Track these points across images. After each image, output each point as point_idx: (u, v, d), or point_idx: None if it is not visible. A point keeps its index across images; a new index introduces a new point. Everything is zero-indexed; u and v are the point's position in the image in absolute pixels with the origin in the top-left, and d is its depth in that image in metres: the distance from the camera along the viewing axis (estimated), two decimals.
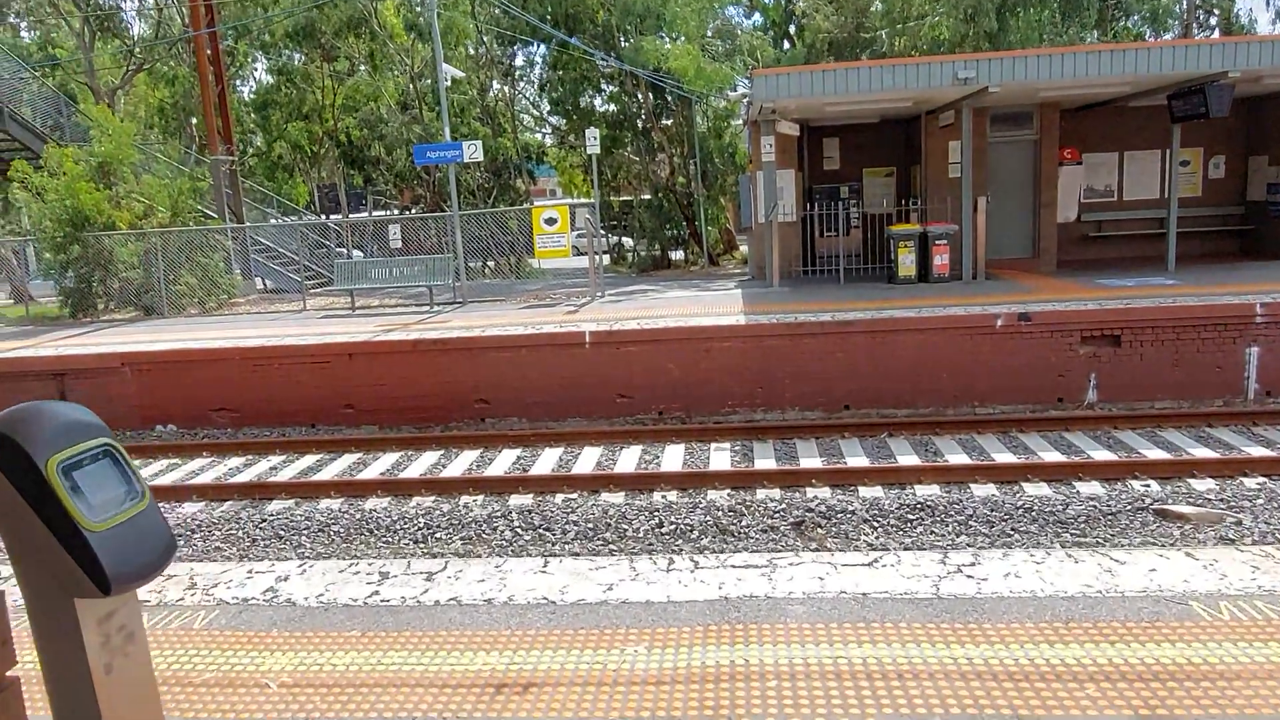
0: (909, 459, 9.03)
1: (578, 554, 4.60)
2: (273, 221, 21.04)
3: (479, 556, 5.06)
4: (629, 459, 9.65)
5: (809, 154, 17.46)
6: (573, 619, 3.46)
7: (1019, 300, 11.74)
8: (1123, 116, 16.36)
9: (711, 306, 13.10)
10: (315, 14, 25.33)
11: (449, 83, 15.62)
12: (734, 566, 3.83)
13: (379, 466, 9.99)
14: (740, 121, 24.42)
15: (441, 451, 10.38)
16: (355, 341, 11.89)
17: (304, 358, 11.93)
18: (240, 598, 3.89)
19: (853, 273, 15.47)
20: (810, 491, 8.20)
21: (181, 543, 8.09)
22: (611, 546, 7.30)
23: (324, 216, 31.19)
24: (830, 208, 15.74)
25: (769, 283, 14.80)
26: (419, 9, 23.32)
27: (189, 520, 8.59)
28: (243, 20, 25.34)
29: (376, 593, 3.86)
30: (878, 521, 7.41)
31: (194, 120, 24.48)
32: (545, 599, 3.66)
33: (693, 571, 3.82)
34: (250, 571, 4.17)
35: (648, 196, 26.19)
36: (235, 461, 10.57)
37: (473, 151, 14.66)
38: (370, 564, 4.12)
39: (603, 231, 30.15)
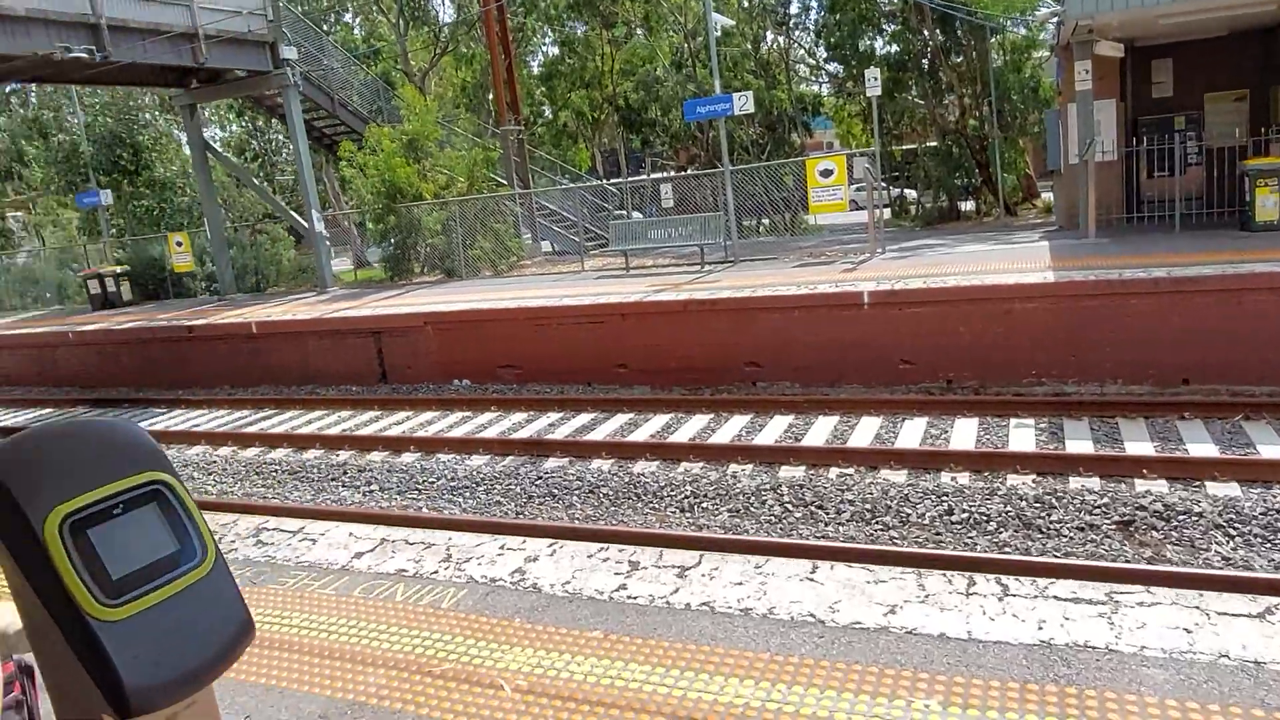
0: (1275, 450, 7.22)
1: (852, 561, 3.94)
2: (556, 186, 21.99)
3: (738, 552, 4.58)
4: (912, 432, 8.70)
5: (1133, 80, 14.74)
6: (845, 649, 2.86)
7: None
8: None
9: (1010, 262, 11.52)
10: None
11: (719, 34, 15.11)
12: (1058, 598, 3.00)
13: (649, 429, 9.91)
14: (1046, 52, 21.44)
15: (711, 416, 10.08)
16: (628, 301, 11.90)
17: (580, 317, 12.18)
18: (489, 578, 3.74)
19: (1191, 219, 12.90)
20: (1140, 485, 6.79)
21: (466, 495, 8.52)
22: (892, 533, 6.53)
23: (603, 180, 32.36)
24: (1161, 142, 13.17)
25: (1082, 233, 12.76)
26: None
27: (474, 473, 9.02)
28: None
29: (624, 586, 3.53)
30: (1235, 529, 5.93)
31: (490, 95, 26.23)
32: (812, 616, 3.10)
33: (1001, 599, 3.04)
34: (502, 548, 4.04)
35: (934, 143, 23.98)
36: (518, 417, 11.03)
37: (743, 103, 14.07)
38: (621, 550, 3.79)
39: (883, 183, 28.31)
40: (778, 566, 3.49)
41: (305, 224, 17.59)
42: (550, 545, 4.01)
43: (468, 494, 8.62)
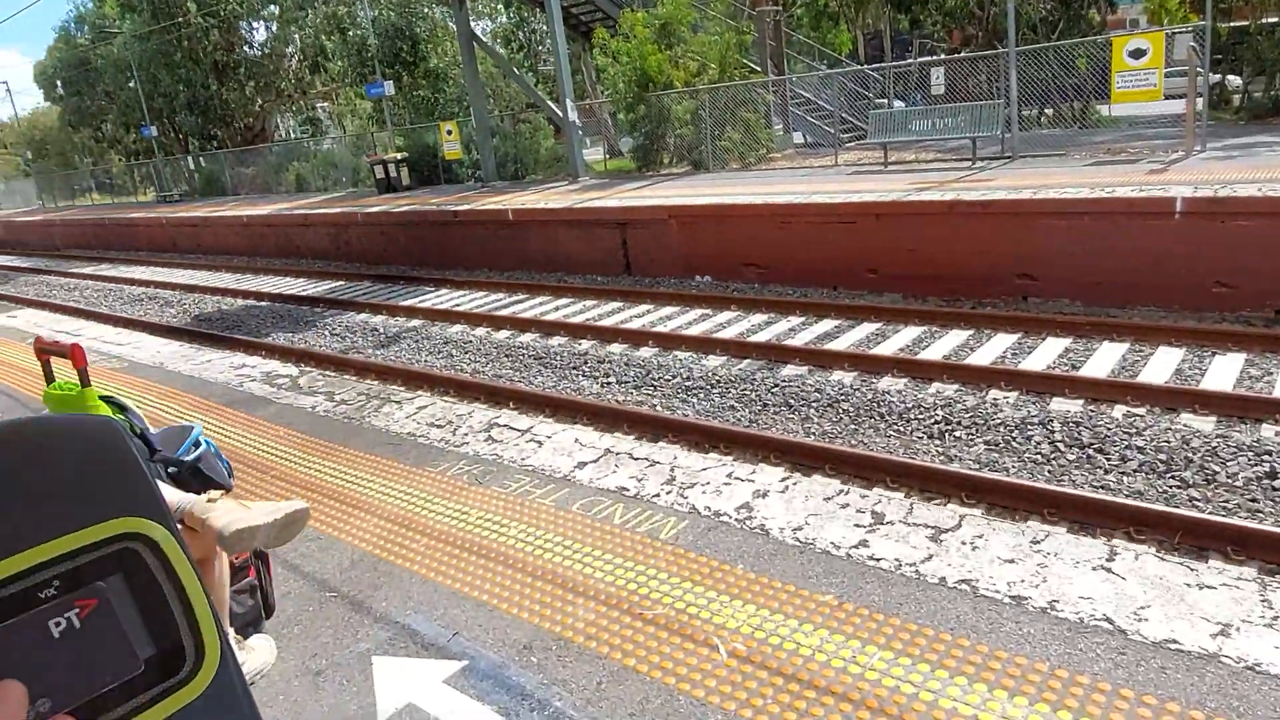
0: None
1: (1165, 549, 3.15)
2: (812, 73, 20.55)
3: (1005, 516, 3.91)
4: (1224, 371, 7.24)
5: None
6: (1156, 676, 2.20)
7: None
8: None
9: None
10: None
11: None
12: None
13: (897, 341, 9.10)
14: None
15: (970, 332, 9.06)
16: (883, 201, 10.87)
17: (829, 216, 11.34)
18: (713, 510, 3.41)
19: None
20: None
21: (700, 396, 8.29)
22: (1192, 492, 5.45)
23: (864, 65, 29.91)
24: None
25: None
26: None
27: (710, 374, 8.77)
28: None
29: (865, 542, 3.05)
30: None
31: None
32: (1110, 622, 2.45)
33: None
34: (730, 476, 3.68)
35: (1274, 19, 19.49)
36: (758, 318, 10.61)
37: None
38: (863, 496, 3.30)
39: (1200, 69, 23.63)
40: (1062, 545, 2.84)
41: (560, 114, 17.79)
42: (783, 480, 3.60)
43: (701, 395, 8.40)
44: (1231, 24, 22.03)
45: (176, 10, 30.23)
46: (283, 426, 5.22)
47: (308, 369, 10.16)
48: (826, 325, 9.95)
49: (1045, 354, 8.15)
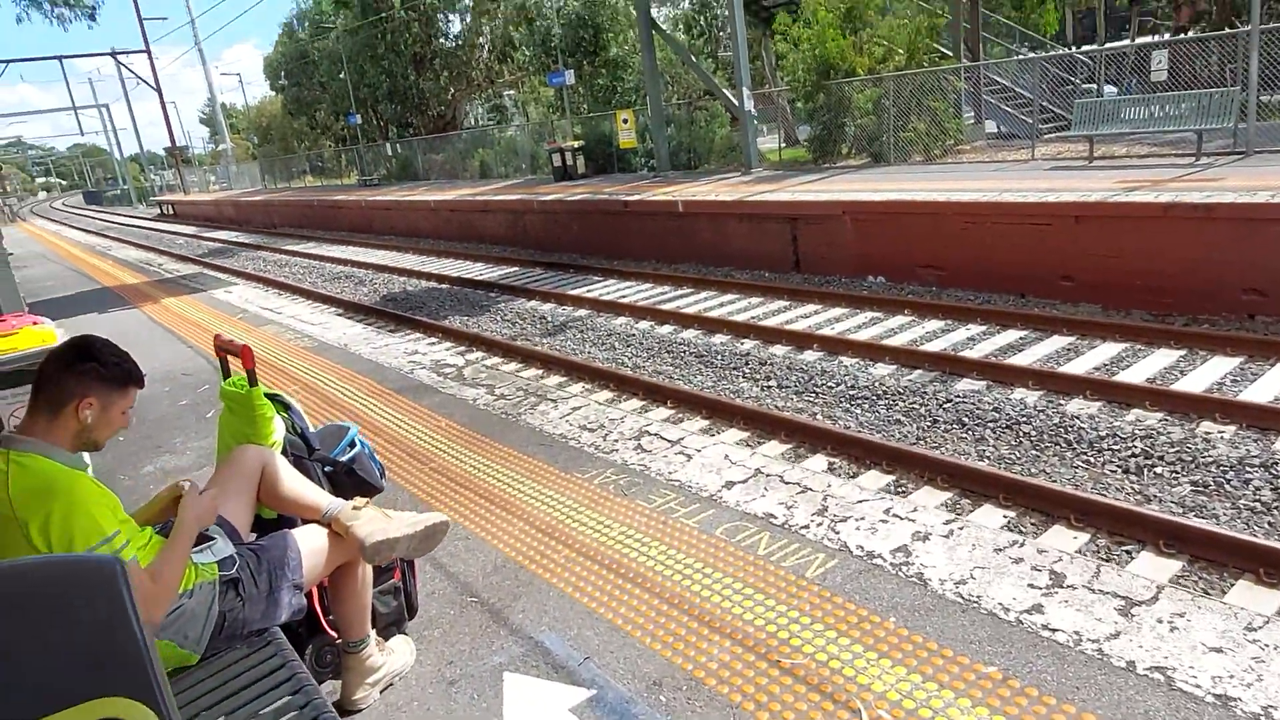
0: None
1: None
2: (1010, 59, 19.09)
3: (1212, 583, 3.38)
4: None
5: None
6: None
7: None
8: None
9: None
10: None
11: None
12: None
13: (1092, 359, 8.28)
14: None
15: (1181, 353, 8.10)
16: (1085, 201, 9.90)
17: (1020, 217, 10.48)
18: (866, 550, 3.15)
19: None
20: None
21: (864, 407, 7.88)
22: None
23: (1072, 48, 27.49)
24: None
25: None
26: None
27: (877, 383, 8.33)
28: None
29: (1040, 607, 2.69)
30: None
31: None
32: None
33: None
34: (888, 513, 3.39)
35: None
36: (933, 325, 9.99)
37: None
38: (1040, 552, 2.93)
39: None
40: None
41: (735, 102, 17.51)
42: (947, 524, 3.27)
43: (866, 405, 7.99)
44: None
45: (382, 5, 32.33)
46: (444, 417, 5.39)
47: (474, 357, 10.58)
48: (1010, 336, 9.21)
49: (1273, 383, 7.14)
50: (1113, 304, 9.74)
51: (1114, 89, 16.98)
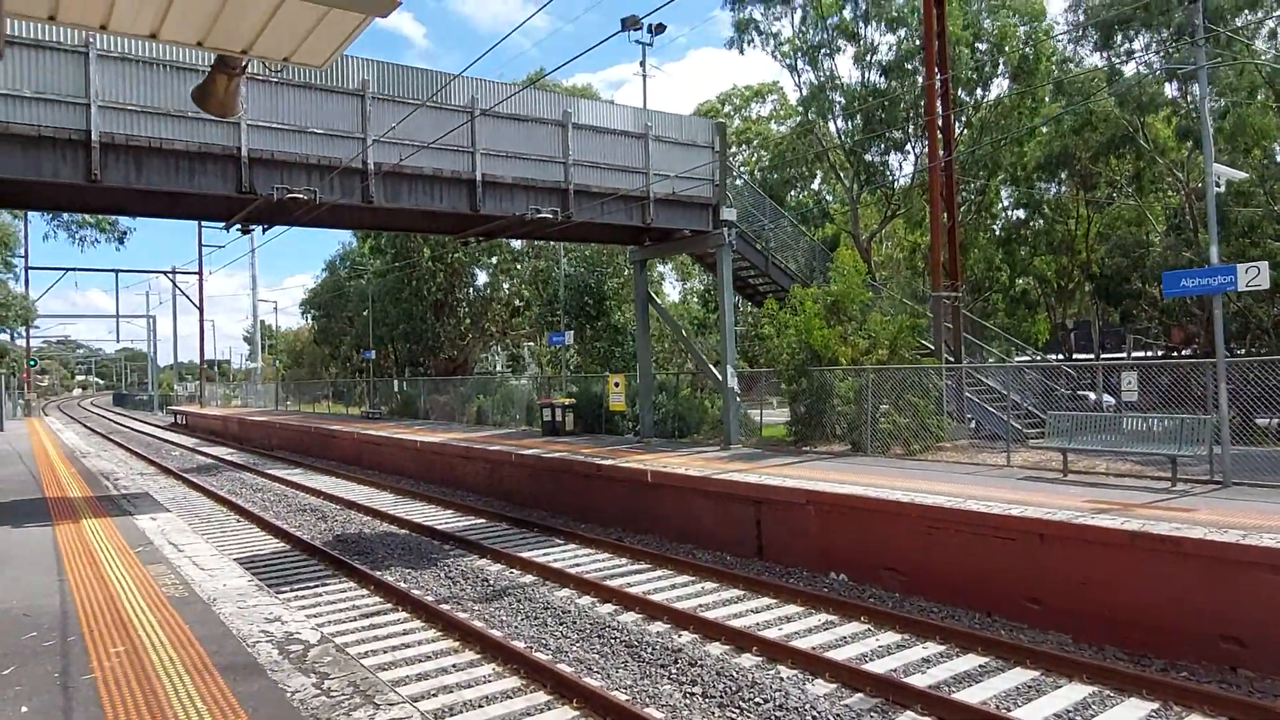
0: None
1: None
2: (988, 363, 19.37)
3: None
4: None
5: None
6: None
7: None
8: None
9: None
10: (1071, 140, 23.33)
11: (1221, 188, 11.85)
12: None
13: (1054, 702, 7.31)
14: None
15: (1154, 705, 7.11)
16: (1049, 519, 9.28)
17: (985, 528, 9.84)
18: None
19: None
20: None
21: None
22: None
23: (1058, 357, 28.20)
24: None
25: None
26: (1196, 112, 19.33)
27: (810, 705, 7.29)
28: (974, 149, 24.84)
29: None
30: None
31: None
32: None
33: None
34: None
35: None
36: (887, 639, 9.04)
37: (1252, 277, 10.60)
38: None
39: None
40: None
41: (720, 378, 17.66)
42: None
43: None
44: None
45: (413, 254, 34.51)
46: (244, 711, 4.57)
47: (350, 628, 9.70)
48: (968, 663, 8.23)
49: None
50: (1084, 636, 8.80)
51: (1110, 398, 16.91)
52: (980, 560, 9.79)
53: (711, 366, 18.75)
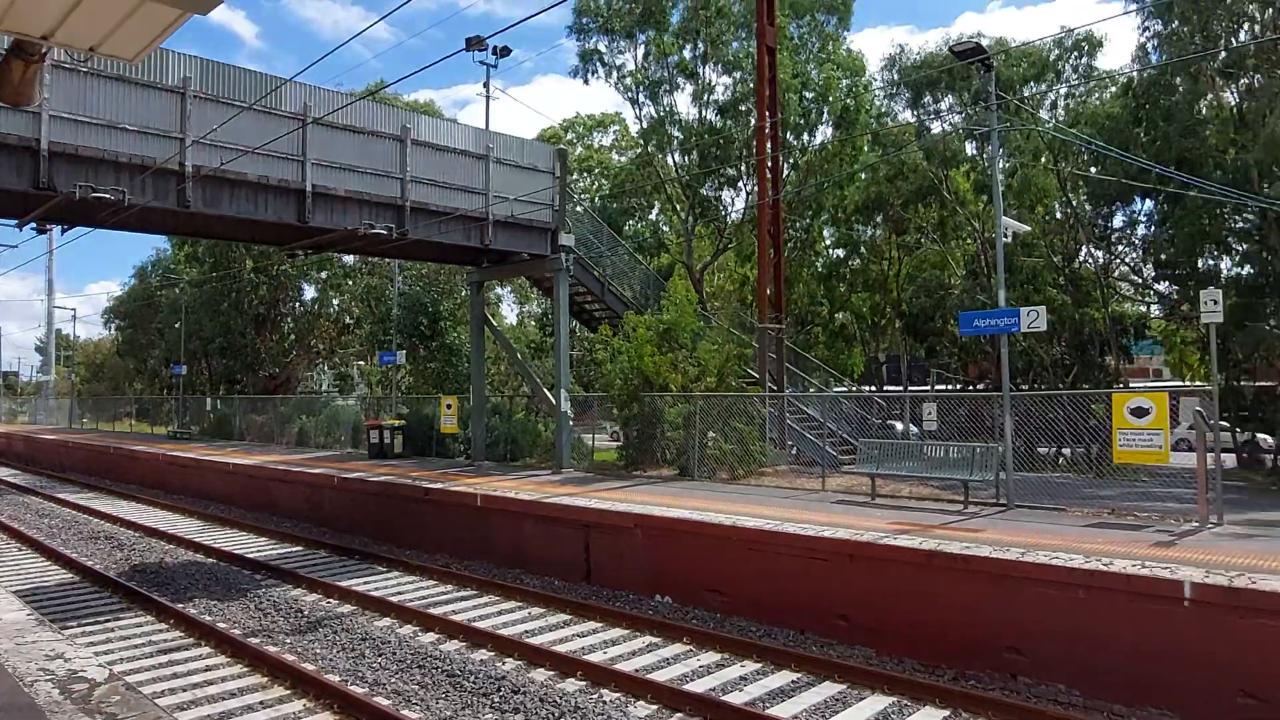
0: None
1: None
2: (808, 393, 20.51)
3: None
4: None
5: None
6: None
7: None
8: None
9: None
10: (886, 187, 25.26)
11: (1009, 239, 13.22)
12: None
13: (857, 715, 7.68)
14: None
15: (945, 713, 7.64)
16: (858, 540, 9.88)
17: (800, 550, 10.33)
18: None
19: None
20: None
21: None
22: None
23: (869, 388, 30.33)
24: None
25: None
26: (990, 169, 21.49)
27: None
28: (800, 190, 26.45)
29: None
30: None
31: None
32: None
33: None
34: None
35: None
36: (707, 659, 9.26)
37: (1033, 320, 11.89)
38: None
39: (1226, 424, 23.36)
40: None
41: (553, 401, 17.67)
42: None
43: None
44: (1259, 384, 21.96)
45: (234, 264, 32.39)
46: None
47: (145, 664, 8.95)
48: (782, 680, 8.58)
49: None
50: (886, 649, 9.38)
51: (916, 429, 18.25)
52: (796, 580, 10.26)
53: (546, 390, 18.73)
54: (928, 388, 32.68)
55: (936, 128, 26.33)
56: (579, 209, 23.30)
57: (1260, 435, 22.36)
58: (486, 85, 25.40)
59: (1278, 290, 18.97)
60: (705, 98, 28.37)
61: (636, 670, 8.79)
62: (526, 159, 18.45)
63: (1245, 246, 20.38)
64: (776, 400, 17.63)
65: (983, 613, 8.78)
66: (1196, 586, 7.59)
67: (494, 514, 14.42)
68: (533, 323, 39.43)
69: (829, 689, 8.33)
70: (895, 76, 26.70)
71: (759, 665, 9.03)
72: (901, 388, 30.38)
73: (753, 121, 24.43)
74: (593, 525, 12.80)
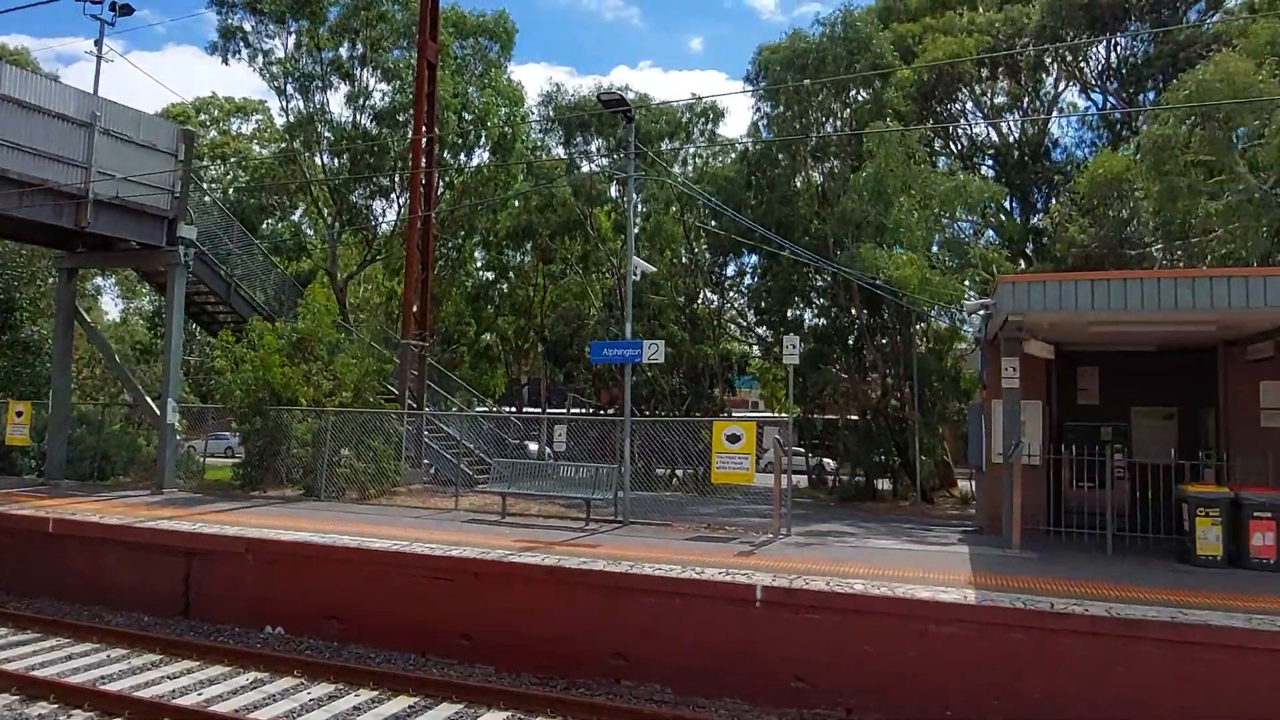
0: None
1: None
2: (447, 412, 20.53)
3: None
4: None
5: (1059, 383, 14.41)
6: None
7: None
8: None
9: (927, 568, 10.14)
10: (536, 217, 26.27)
11: (638, 277, 14.51)
12: None
13: None
14: (968, 345, 21.79)
15: None
16: (483, 559, 10.05)
17: (426, 570, 10.23)
18: None
19: (1124, 540, 11.88)
20: None
21: None
22: None
23: (509, 409, 31.19)
24: (1086, 452, 12.42)
25: (1006, 541, 11.60)
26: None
27: None
28: (454, 209, 26.66)
29: None
30: None
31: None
32: None
33: None
34: None
35: (855, 417, 23.67)
36: (319, 691, 8.73)
37: (653, 352, 13.14)
38: None
39: (800, 449, 27.71)
40: None
41: (158, 412, 15.63)
42: None
43: None
44: (827, 417, 26.28)
45: None
46: None
47: None
48: (399, 705, 8.37)
49: None
50: (507, 665, 9.60)
51: (550, 449, 18.97)
52: (420, 602, 10.13)
53: (150, 400, 16.50)
54: (564, 410, 34.32)
55: (586, 167, 28.04)
56: (206, 199, 20.99)
57: (826, 460, 26.79)
58: (99, 44, 21.80)
59: (842, 339, 22.97)
60: (361, 102, 27.30)
61: (237, 710, 8.04)
62: (144, 135, 16.22)
63: (822, 302, 24.41)
64: (415, 418, 17.33)
65: (595, 623, 9.38)
66: (766, 589, 8.83)
67: (72, 541, 12.34)
68: (141, 322, 34.56)
69: (446, 710, 8.31)
70: (551, 113, 27.98)
71: (375, 693, 8.73)
72: (540, 409, 31.56)
73: (410, 134, 24.00)
74: (195, 552, 11.50)
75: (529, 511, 14.35)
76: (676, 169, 26.72)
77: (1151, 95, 21.67)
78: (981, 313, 13.91)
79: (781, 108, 22.92)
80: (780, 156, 23.78)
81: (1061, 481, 13.42)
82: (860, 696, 8.35)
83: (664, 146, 25.90)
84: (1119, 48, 24.91)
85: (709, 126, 26.47)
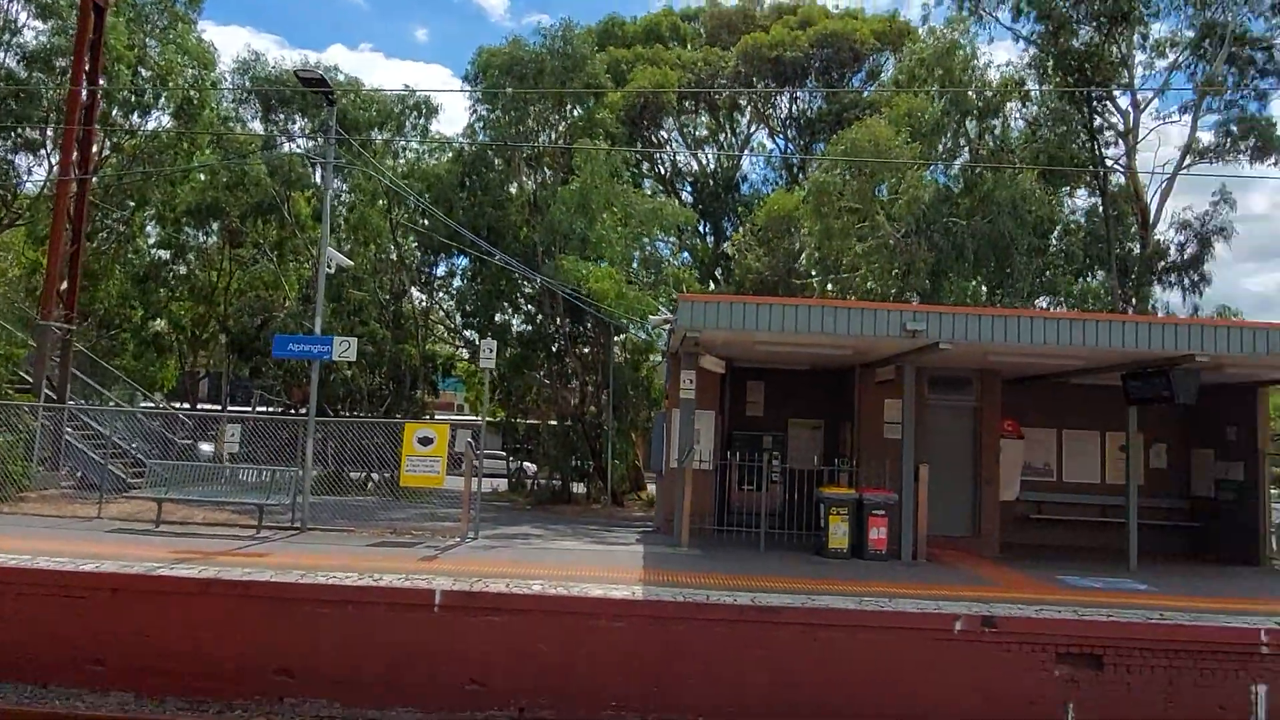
0: None
1: None
2: (111, 404, 18.07)
3: None
4: None
5: (731, 396, 15.92)
6: None
7: (975, 596, 9.67)
8: (1061, 392, 15.48)
9: (604, 567, 10.65)
10: (225, 195, 23.93)
11: (332, 270, 13.77)
12: None
13: None
14: (659, 357, 23.29)
15: None
16: (124, 573, 8.92)
17: (52, 587, 8.87)
18: None
19: (775, 537, 13.33)
20: None
21: None
22: None
23: (187, 405, 28.16)
24: (751, 458, 13.93)
25: (676, 540, 12.52)
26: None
27: None
28: (123, 176, 23.66)
29: None
30: None
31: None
32: None
33: None
34: None
35: (555, 423, 24.30)
36: None
37: (344, 349, 12.51)
38: None
39: (503, 453, 27.90)
40: None
41: None
42: None
43: None
44: (530, 421, 26.59)
45: None
46: None
47: None
48: None
49: None
50: (149, 690, 8.60)
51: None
52: (41, 625, 8.75)
53: None
54: (250, 409, 31.55)
55: (287, 147, 26.02)
56: None
57: (528, 464, 27.20)
58: None
59: (547, 346, 23.48)
60: (9, 39, 23.19)
61: None
62: None
63: (529, 308, 24.79)
64: (54, 412, 14.94)
65: (259, 639, 8.69)
66: (445, 594, 8.75)
67: None
68: None
69: None
70: (248, 83, 25.64)
71: None
72: (220, 407, 28.71)
73: (69, 84, 20.73)
74: None
75: (191, 519, 12.96)
76: (389, 162, 25.72)
77: (821, 145, 24.70)
78: (666, 328, 14.95)
79: (499, 112, 22.97)
80: (496, 161, 23.82)
81: (729, 485, 14.77)
82: (533, 695, 8.55)
83: (374, 137, 24.82)
84: (799, 100, 28.16)
85: (421, 121, 25.81)
